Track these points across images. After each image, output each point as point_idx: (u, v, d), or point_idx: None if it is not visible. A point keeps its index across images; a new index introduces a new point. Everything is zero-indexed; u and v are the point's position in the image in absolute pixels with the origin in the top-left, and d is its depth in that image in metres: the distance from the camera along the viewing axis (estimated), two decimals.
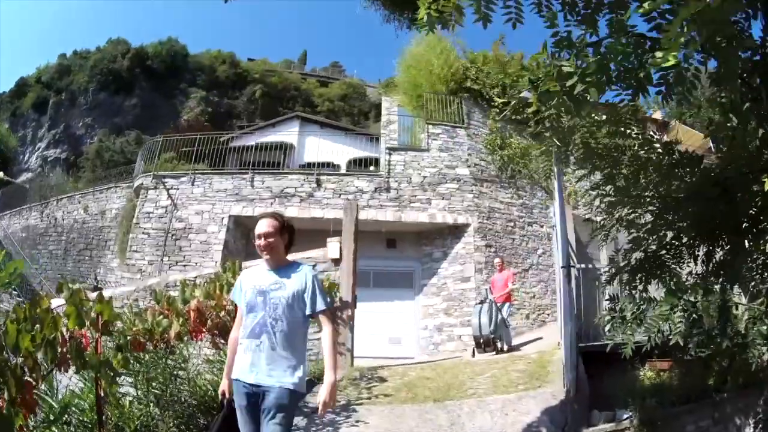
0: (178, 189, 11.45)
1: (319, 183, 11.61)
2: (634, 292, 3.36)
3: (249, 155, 13.65)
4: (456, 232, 11.32)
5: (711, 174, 3.04)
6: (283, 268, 2.55)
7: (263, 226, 2.50)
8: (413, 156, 11.90)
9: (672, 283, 3.00)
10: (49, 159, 29.03)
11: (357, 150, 15.56)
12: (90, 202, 15.59)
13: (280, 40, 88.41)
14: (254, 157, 13.53)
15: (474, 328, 8.34)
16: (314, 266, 8.52)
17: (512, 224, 11.75)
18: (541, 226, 12.18)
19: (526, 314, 10.92)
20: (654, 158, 3.07)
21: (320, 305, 2.48)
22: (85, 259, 14.69)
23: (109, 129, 29.52)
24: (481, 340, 8.21)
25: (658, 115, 28.53)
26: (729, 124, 2.77)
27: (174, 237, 10.98)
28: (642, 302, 3.03)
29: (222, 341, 4.23)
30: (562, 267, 4.04)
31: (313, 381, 5.93)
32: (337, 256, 7.75)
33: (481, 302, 8.62)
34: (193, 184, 11.52)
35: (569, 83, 2.19)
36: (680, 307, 2.82)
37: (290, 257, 2.65)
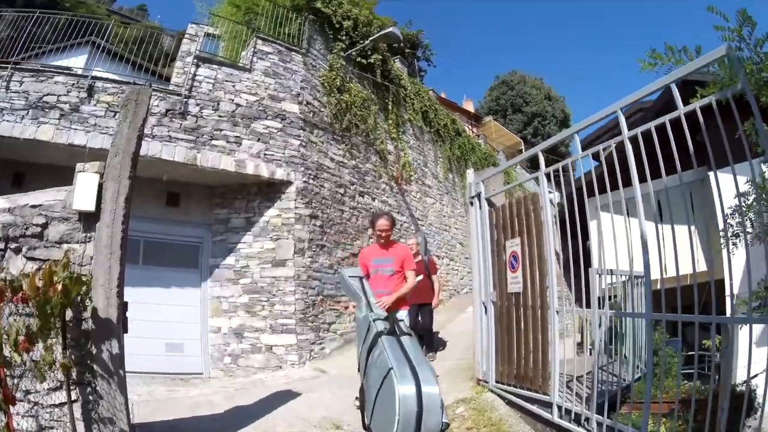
0: None
1: (91, 92, 7.24)
2: None
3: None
4: (269, 191, 8.19)
5: None
6: None
7: None
8: (228, 74, 8.16)
9: None
10: None
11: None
12: None
13: None
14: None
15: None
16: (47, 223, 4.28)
17: (342, 191, 9.28)
18: (373, 199, 10.09)
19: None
20: None
21: None
22: None
23: None
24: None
25: (470, 107, 30.00)
26: None
27: None
28: None
29: None
30: None
31: None
32: (92, 208, 3.39)
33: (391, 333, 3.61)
34: None
35: None
36: None
37: None
